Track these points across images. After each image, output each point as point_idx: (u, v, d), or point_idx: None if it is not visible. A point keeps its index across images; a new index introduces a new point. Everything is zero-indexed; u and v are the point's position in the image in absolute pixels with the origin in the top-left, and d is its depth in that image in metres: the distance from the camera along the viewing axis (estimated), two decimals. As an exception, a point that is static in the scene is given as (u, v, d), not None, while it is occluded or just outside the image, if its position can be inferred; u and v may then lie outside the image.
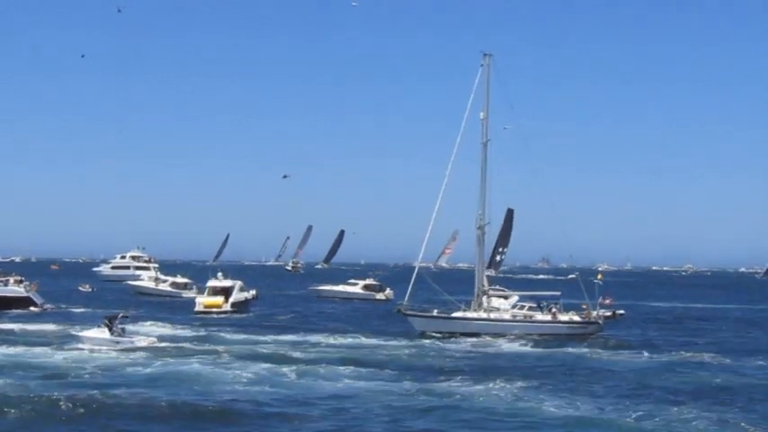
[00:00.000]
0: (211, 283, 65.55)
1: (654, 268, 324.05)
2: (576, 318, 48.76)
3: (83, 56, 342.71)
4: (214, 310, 61.91)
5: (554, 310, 48.89)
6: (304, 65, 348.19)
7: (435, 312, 48.83)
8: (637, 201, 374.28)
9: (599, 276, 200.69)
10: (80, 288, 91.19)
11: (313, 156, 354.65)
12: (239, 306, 63.26)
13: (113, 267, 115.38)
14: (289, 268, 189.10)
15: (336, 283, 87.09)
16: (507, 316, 48.79)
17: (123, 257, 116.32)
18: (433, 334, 46.49)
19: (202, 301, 63.46)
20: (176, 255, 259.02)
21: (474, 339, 45.03)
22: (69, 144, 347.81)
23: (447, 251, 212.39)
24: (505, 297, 62.66)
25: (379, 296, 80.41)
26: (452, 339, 45.05)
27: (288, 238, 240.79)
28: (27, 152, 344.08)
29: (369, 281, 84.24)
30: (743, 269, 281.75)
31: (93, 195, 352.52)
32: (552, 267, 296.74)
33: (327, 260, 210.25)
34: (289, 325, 53.57)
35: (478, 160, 50.10)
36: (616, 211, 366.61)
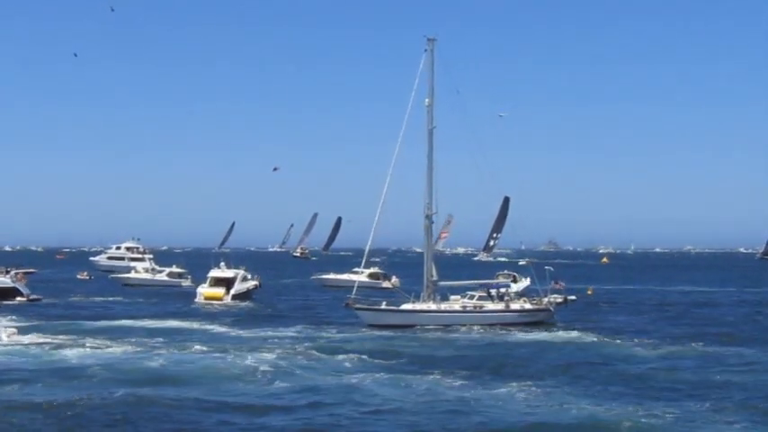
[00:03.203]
0: (213, 273, 64.24)
1: (656, 250, 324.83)
2: (528, 305, 47.95)
3: (75, 55, 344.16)
4: (215, 302, 60.37)
5: (506, 297, 48.19)
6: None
7: (384, 305, 47.48)
8: (639, 183, 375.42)
9: (604, 259, 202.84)
10: (78, 276, 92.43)
11: (313, 143, 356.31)
12: (241, 297, 61.90)
13: (109, 258, 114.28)
14: (297, 254, 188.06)
15: (341, 272, 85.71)
16: (457, 306, 47.47)
17: (118, 248, 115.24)
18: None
19: (203, 292, 62.27)
20: (183, 242, 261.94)
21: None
22: (78, 132, 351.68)
23: (443, 235, 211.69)
24: (515, 281, 61.52)
25: (385, 284, 78.84)
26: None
27: (292, 225, 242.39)
28: (33, 140, 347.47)
29: (374, 269, 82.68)
30: (742, 249, 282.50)
31: (99, 184, 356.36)
32: (559, 250, 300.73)
33: (326, 247, 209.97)
34: (293, 316, 52.31)
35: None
36: (617, 193, 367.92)
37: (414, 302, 47.67)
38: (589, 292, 72.56)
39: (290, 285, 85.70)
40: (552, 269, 53.67)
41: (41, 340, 36.79)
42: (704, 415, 23.20)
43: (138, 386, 25.95)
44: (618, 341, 39.55)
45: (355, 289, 47.40)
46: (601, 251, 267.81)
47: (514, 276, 64.10)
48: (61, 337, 38.25)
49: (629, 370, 31.29)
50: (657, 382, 28.59)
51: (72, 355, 32.98)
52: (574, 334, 41.88)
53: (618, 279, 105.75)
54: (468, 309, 47.32)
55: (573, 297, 52.25)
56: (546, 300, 48.48)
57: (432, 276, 48.48)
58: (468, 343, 39.20)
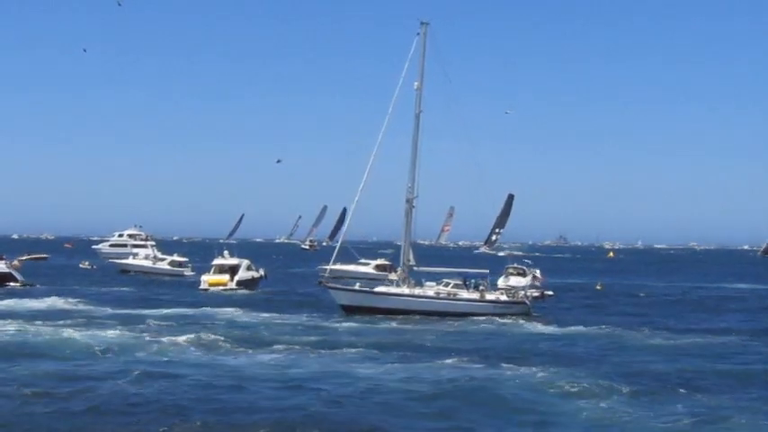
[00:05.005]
0: (217, 261, 64.60)
1: (656, 246, 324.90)
2: (504, 297, 47.42)
3: (84, 50, 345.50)
4: (220, 287, 60.55)
5: (482, 287, 47.41)
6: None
7: (357, 286, 47.37)
8: (648, 180, 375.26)
9: (610, 254, 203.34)
10: (81, 266, 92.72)
11: (322, 133, 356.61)
12: (246, 284, 61.83)
13: (111, 245, 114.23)
14: (306, 247, 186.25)
15: (347, 263, 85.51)
16: (431, 293, 46.94)
17: (121, 235, 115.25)
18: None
19: (207, 279, 62.41)
20: (193, 233, 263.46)
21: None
22: (87, 122, 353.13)
23: (446, 228, 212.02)
24: (523, 274, 61.12)
25: (392, 276, 78.55)
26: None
27: (300, 216, 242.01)
28: (37, 129, 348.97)
29: (381, 261, 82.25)
30: (746, 246, 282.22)
31: (109, 174, 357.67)
32: (567, 245, 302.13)
33: (331, 237, 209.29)
34: (302, 302, 52.20)
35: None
36: (625, 190, 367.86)
37: (388, 286, 47.56)
38: (598, 288, 72.44)
39: (298, 275, 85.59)
40: (531, 262, 53.36)
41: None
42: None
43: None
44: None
45: (329, 267, 47.63)
46: (607, 246, 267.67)
47: (524, 270, 63.75)
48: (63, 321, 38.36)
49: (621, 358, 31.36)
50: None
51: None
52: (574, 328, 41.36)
53: (628, 273, 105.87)
54: (441, 296, 46.92)
55: (551, 292, 51.76)
56: (522, 293, 48.16)
57: (408, 261, 48.25)
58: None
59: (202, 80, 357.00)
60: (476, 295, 47.02)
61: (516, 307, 47.02)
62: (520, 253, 68.43)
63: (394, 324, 41.75)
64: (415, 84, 48.51)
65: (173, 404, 21.27)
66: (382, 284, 48.29)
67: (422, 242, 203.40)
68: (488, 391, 24.00)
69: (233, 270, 62.82)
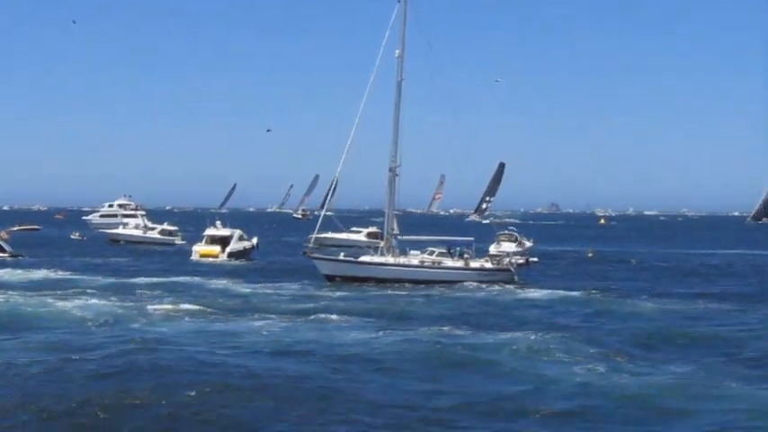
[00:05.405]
0: (209, 231, 64.39)
1: (647, 213, 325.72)
2: (488, 264, 47.55)
3: (74, 22, 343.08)
4: (211, 259, 60.50)
5: (466, 255, 47.53)
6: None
7: (342, 256, 47.65)
8: (638, 147, 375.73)
9: (602, 221, 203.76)
10: (72, 236, 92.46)
11: (316, 103, 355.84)
12: (238, 255, 61.75)
13: (102, 216, 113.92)
14: (298, 216, 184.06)
15: (339, 232, 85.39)
16: (415, 261, 47.07)
17: (111, 206, 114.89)
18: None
19: (199, 249, 62.33)
20: (186, 203, 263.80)
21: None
22: (81, 94, 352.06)
23: (437, 197, 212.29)
24: (514, 241, 61.28)
25: (384, 244, 78.57)
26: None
27: (291, 186, 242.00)
28: (32, 99, 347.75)
29: (372, 228, 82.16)
30: (736, 213, 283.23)
31: (103, 144, 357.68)
32: (559, 212, 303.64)
33: (322, 206, 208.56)
34: (294, 271, 52.20)
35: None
36: (616, 157, 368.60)
37: (372, 255, 47.71)
38: (590, 255, 72.52)
39: (290, 245, 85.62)
40: (515, 229, 52.98)
41: None
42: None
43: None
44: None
45: (313, 237, 47.50)
46: (598, 213, 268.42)
47: (517, 237, 63.90)
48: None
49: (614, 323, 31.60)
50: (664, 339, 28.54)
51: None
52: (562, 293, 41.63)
53: (620, 240, 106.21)
54: (426, 264, 47.00)
55: (535, 259, 51.91)
56: (507, 260, 48.33)
57: (392, 230, 48.36)
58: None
59: (196, 53, 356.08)
60: (460, 263, 47.08)
61: (501, 274, 47.01)
62: (509, 220, 68.48)
63: (387, 291, 41.85)
64: (397, 52, 48.37)
65: (168, 373, 21.22)
66: (366, 254, 48.20)
67: (414, 210, 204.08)
68: (480, 357, 24.11)
69: (224, 241, 62.70)
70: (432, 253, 48.00)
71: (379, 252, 48.07)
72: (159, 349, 24.16)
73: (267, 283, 44.78)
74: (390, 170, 48.50)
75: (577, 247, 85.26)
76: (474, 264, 47.31)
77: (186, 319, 31.19)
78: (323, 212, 52.86)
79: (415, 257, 47.58)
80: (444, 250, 48.32)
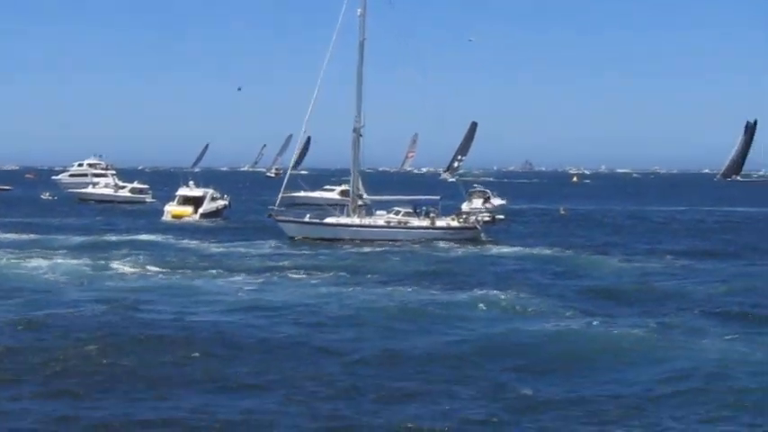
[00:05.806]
0: (181, 191, 63.30)
1: (619, 170, 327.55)
2: (454, 223, 47.59)
3: None
4: (184, 219, 60.34)
5: (432, 214, 47.46)
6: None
7: (308, 218, 47.57)
8: (610, 104, 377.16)
9: (574, 179, 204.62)
10: (42, 197, 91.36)
11: (289, 62, 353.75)
12: (210, 216, 61.49)
13: (71, 175, 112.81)
14: (271, 174, 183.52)
15: (313, 190, 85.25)
16: (381, 222, 47.06)
17: (81, 165, 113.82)
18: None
19: (171, 210, 61.67)
20: (159, 163, 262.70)
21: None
22: (56, 52, 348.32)
23: (410, 155, 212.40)
24: (487, 199, 61.53)
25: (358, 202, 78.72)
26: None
27: (264, 145, 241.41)
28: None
29: (345, 186, 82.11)
30: (707, 170, 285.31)
31: (72, 102, 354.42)
32: (532, 171, 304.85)
33: (295, 166, 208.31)
34: (266, 229, 52.18)
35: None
36: (587, 115, 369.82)
37: (338, 216, 47.70)
38: (562, 212, 72.93)
39: (264, 203, 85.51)
40: (482, 186, 52.76)
41: None
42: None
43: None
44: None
45: (278, 200, 47.71)
46: (571, 172, 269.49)
47: (488, 194, 64.09)
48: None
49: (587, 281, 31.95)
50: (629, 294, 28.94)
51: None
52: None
53: (593, 198, 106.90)
54: (392, 224, 47.05)
55: (501, 216, 51.94)
56: (473, 218, 48.29)
57: (358, 190, 48.28)
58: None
59: (166, 12, 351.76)
60: (426, 222, 47.05)
61: (467, 232, 46.99)
62: (483, 179, 68.68)
63: (362, 249, 42.00)
64: (359, 11, 47.98)
65: (143, 330, 21.29)
66: (332, 215, 48.19)
67: (387, 169, 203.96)
68: (453, 312, 24.42)
69: (197, 202, 61.97)
70: (398, 213, 47.88)
71: (345, 212, 48.00)
72: (133, 308, 24.24)
73: (239, 242, 44.76)
74: (354, 130, 48.15)
75: (550, 205, 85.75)
76: (440, 222, 47.27)
77: (160, 277, 31.28)
78: (288, 172, 52.67)
79: (380, 218, 47.57)
80: (410, 210, 48.20)
